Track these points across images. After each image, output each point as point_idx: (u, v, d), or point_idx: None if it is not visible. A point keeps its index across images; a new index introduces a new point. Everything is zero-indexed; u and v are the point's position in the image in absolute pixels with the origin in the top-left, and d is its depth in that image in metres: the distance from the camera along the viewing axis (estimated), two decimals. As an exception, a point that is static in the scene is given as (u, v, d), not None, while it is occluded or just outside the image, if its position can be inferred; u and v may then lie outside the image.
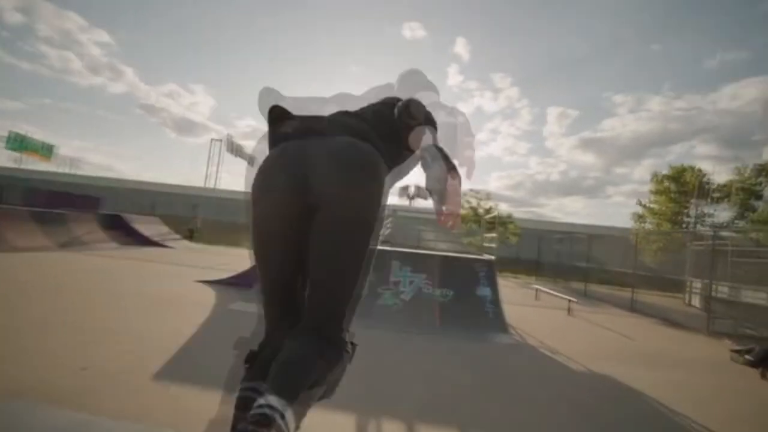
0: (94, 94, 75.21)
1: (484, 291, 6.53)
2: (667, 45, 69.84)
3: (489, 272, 6.79)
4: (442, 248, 13.48)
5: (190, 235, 20.99)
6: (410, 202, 22.51)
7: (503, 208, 22.17)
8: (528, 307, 8.87)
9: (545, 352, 5.02)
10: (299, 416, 1.06)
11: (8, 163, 32.26)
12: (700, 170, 19.07)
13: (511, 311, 6.39)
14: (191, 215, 23.63)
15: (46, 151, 28.27)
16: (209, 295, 6.52)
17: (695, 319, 8.38)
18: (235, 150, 33.81)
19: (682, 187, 18.82)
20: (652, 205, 19.71)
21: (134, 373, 3.02)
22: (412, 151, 1.28)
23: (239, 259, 13.41)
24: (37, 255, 9.15)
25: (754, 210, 17.81)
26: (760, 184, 18.02)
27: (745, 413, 3.57)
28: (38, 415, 2.22)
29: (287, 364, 1.05)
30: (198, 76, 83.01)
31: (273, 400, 0.93)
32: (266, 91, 1.51)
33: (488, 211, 20.27)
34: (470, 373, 3.94)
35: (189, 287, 7.19)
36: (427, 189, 1.07)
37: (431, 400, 3.11)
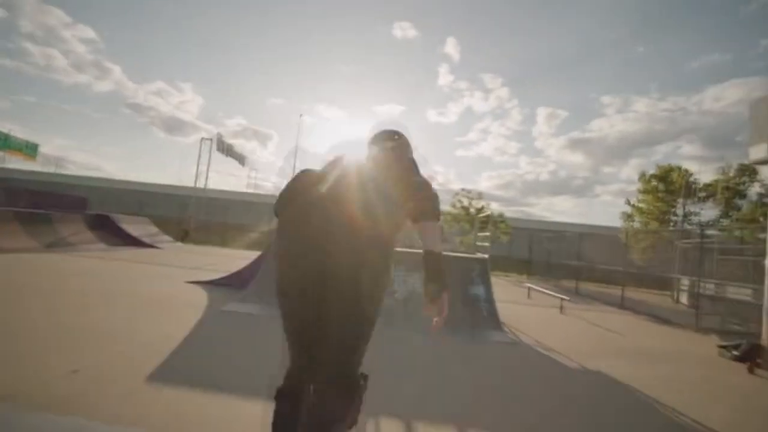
0: (79, 92, 73.74)
1: (478, 290, 6.56)
2: (652, 47, 71.18)
3: (482, 271, 6.83)
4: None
5: (185, 236, 20.29)
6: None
7: (494, 208, 22.34)
8: (521, 305, 8.94)
9: (540, 349, 5.06)
10: None
11: (-10, 163, 31.48)
12: (686, 170, 19.47)
13: (504, 309, 6.44)
14: (186, 215, 22.81)
15: (30, 150, 27.57)
16: (201, 296, 6.44)
17: (683, 315, 8.55)
18: (226, 149, 33.46)
19: (669, 187, 19.19)
20: (640, 204, 20.06)
21: (127, 376, 2.96)
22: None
23: (230, 259, 13.28)
24: (22, 256, 8.93)
25: (738, 209, 18.25)
26: (744, 183, 18.48)
27: (733, 406, 3.64)
28: (27, 421, 2.16)
29: (321, 426, 1.26)
30: (187, 74, 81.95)
31: None
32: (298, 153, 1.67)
33: (480, 210, 20.41)
34: (467, 371, 3.95)
35: (180, 288, 7.08)
36: (424, 299, 1.34)
37: (429, 397, 3.11)
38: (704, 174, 22.03)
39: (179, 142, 76.90)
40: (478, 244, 9.09)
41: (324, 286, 1.35)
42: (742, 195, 18.56)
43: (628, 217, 20.49)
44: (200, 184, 31.93)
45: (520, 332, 5.91)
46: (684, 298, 11.70)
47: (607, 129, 67.89)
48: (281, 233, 1.43)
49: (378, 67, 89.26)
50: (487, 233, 8.54)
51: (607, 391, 3.75)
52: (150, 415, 2.45)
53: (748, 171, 18.28)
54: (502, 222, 20.31)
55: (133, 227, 15.52)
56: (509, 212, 23.44)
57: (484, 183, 79.61)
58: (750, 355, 5.00)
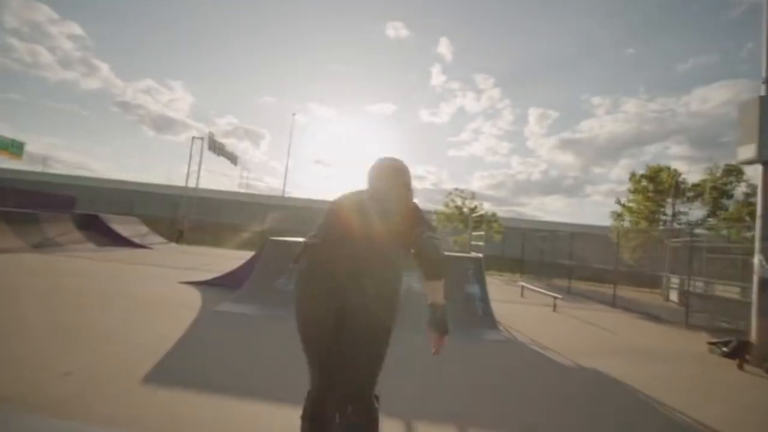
0: (66, 89, 72.47)
1: (473, 288, 6.59)
2: (642, 49, 72.27)
3: (477, 270, 6.86)
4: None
5: (180, 237, 19.54)
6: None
7: (486, 208, 22.49)
8: (515, 304, 9.00)
9: (535, 348, 5.10)
10: None
11: (-26, 161, 30.74)
12: (675, 170, 19.77)
13: (498, 308, 6.47)
14: (180, 215, 22.05)
15: (16, 148, 26.97)
16: (194, 297, 6.36)
17: (674, 313, 8.69)
18: (217, 148, 33.12)
19: (658, 186, 19.47)
20: (630, 204, 20.33)
21: (121, 378, 2.91)
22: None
23: (223, 259, 13.15)
24: (9, 257, 8.74)
25: (725, 208, 18.60)
26: (730, 183, 18.84)
27: (725, 402, 3.70)
28: (20, 424, 2.11)
29: None
30: (177, 72, 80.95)
31: None
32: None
33: (473, 210, 20.51)
34: (465, 370, 3.96)
35: (173, 288, 6.99)
36: (428, 332, 1.56)
37: (427, 395, 3.12)
38: (692, 174, 22.42)
39: (169, 141, 76.03)
40: (473, 243, 9.12)
41: (345, 317, 1.54)
42: (729, 195, 18.93)
43: (619, 216, 20.76)
44: (191, 184, 31.64)
45: (514, 331, 5.95)
46: (674, 296, 11.89)
47: (597, 129, 68.85)
48: (310, 269, 1.62)
49: (371, 66, 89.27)
50: (482, 232, 8.57)
51: (603, 389, 3.78)
52: (145, 416, 2.41)
53: (735, 171, 18.65)
54: (494, 221, 20.44)
55: (123, 227, 15.30)
56: (501, 212, 23.64)
57: (476, 183, 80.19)
58: (739, 352, 5.09)
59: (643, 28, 73.67)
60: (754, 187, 18.09)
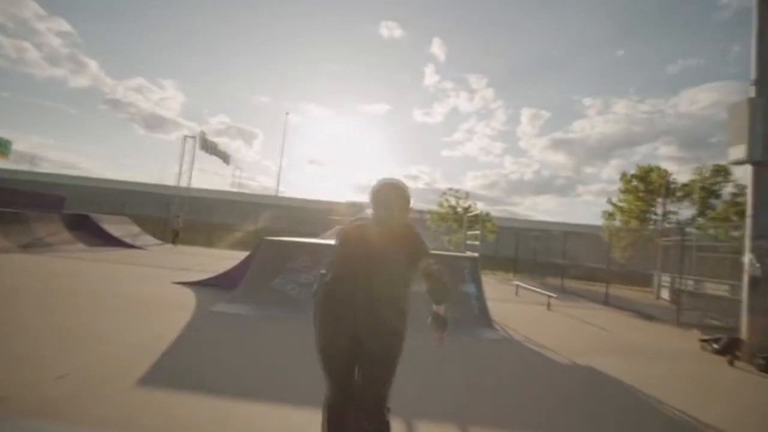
0: (54, 87, 71.05)
1: (469, 288, 6.62)
2: (632, 51, 73.17)
3: (473, 269, 6.90)
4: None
5: (175, 237, 18.86)
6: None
7: (480, 207, 22.58)
8: (509, 303, 9.06)
9: (531, 346, 5.14)
10: None
11: (-41, 160, 30.05)
12: (665, 170, 20.07)
13: (493, 307, 6.51)
14: (174, 215, 21.39)
15: (3, 147, 26.47)
16: (189, 297, 6.30)
17: (665, 311, 8.81)
18: (209, 148, 32.84)
19: (648, 186, 19.73)
20: (621, 204, 20.58)
21: (117, 379, 2.87)
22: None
23: (216, 259, 13.03)
24: (-3, 257, 8.57)
25: (713, 208, 18.92)
26: (718, 183, 19.18)
27: (718, 398, 3.77)
28: (13, 428, 2.07)
29: None
30: (168, 71, 79.86)
31: None
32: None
33: (467, 209, 20.59)
34: (461, 368, 3.98)
35: (167, 289, 6.91)
36: (430, 331, 1.81)
37: (427, 395, 3.12)
38: (681, 174, 22.77)
39: (160, 140, 74.93)
40: (468, 242, 9.16)
41: (361, 341, 1.70)
42: (717, 195, 19.26)
43: (610, 215, 21.00)
44: (183, 183, 31.28)
45: (510, 329, 5.98)
46: (665, 294, 12.07)
47: (589, 130, 69.53)
48: (326, 303, 1.77)
49: (364, 66, 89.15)
50: (477, 232, 8.61)
51: (601, 387, 3.82)
52: (141, 417, 2.38)
53: (722, 171, 18.99)
54: (488, 221, 20.55)
55: (114, 227, 15.09)
56: (494, 211, 23.76)
57: (470, 183, 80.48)
58: (730, 349, 5.18)
59: (633, 30, 74.66)
60: (741, 187, 18.46)
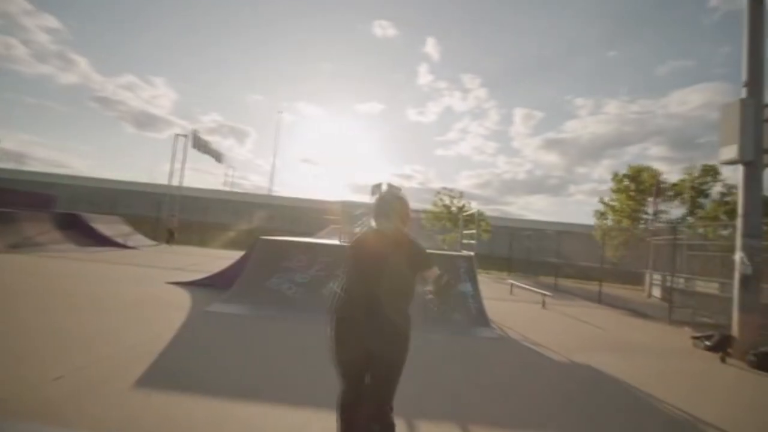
0: (42, 84, 69.77)
1: (466, 287, 6.64)
2: (623, 52, 74.08)
3: (469, 268, 6.92)
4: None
5: (170, 237, 18.49)
6: (383, 200, 22.67)
7: (473, 206, 22.67)
8: (505, 301, 9.12)
9: (528, 344, 5.17)
10: None
11: (-57, 158, 29.39)
12: (656, 170, 20.35)
13: (489, 306, 6.54)
14: (169, 214, 20.95)
15: (-12, 145, 25.92)
16: (184, 297, 6.23)
17: (657, 309, 8.94)
18: (202, 146, 32.49)
19: (639, 186, 19.99)
20: (613, 203, 20.82)
21: (114, 381, 2.83)
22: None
23: (210, 259, 12.91)
24: (-15, 258, 8.39)
25: (702, 207, 19.22)
26: (707, 183, 19.50)
27: (710, 393, 3.83)
28: (11, 430, 2.03)
29: None
30: (159, 68, 78.91)
31: None
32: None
33: (461, 209, 20.67)
34: (459, 367, 3.99)
35: (162, 289, 6.83)
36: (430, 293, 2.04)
37: (426, 392, 3.13)
38: (671, 174, 23.11)
39: (151, 138, 74.09)
40: (464, 242, 9.19)
41: (371, 352, 1.85)
42: (706, 194, 19.58)
43: (602, 215, 21.24)
44: (175, 182, 30.93)
45: (507, 328, 6.02)
46: (656, 292, 12.23)
47: (581, 130, 70.25)
48: (339, 321, 1.92)
49: (358, 65, 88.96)
50: (473, 231, 8.64)
51: (599, 385, 3.86)
52: (139, 418, 2.35)
53: (711, 171, 19.32)
54: (482, 220, 20.64)
55: (106, 227, 14.87)
56: (487, 211, 23.82)
57: (463, 182, 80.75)
58: (722, 346, 5.27)
59: (625, 31, 75.62)
60: (729, 187, 18.79)
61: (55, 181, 34.45)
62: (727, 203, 18.66)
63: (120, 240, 14.46)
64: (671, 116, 64.99)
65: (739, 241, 5.47)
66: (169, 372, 3.13)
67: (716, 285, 9.03)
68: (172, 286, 7.15)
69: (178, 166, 25.91)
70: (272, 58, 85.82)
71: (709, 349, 5.47)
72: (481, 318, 6.06)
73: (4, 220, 10.90)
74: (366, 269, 1.93)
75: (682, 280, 10.02)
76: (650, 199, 19.57)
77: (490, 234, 20.70)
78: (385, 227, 2.00)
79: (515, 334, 5.67)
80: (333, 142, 78.67)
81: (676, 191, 19.98)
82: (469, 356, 4.44)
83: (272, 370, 3.44)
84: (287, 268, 6.52)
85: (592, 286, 11.79)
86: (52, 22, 66.69)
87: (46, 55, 66.58)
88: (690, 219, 18.71)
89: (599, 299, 10.28)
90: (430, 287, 2.01)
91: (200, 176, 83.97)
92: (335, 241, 8.12)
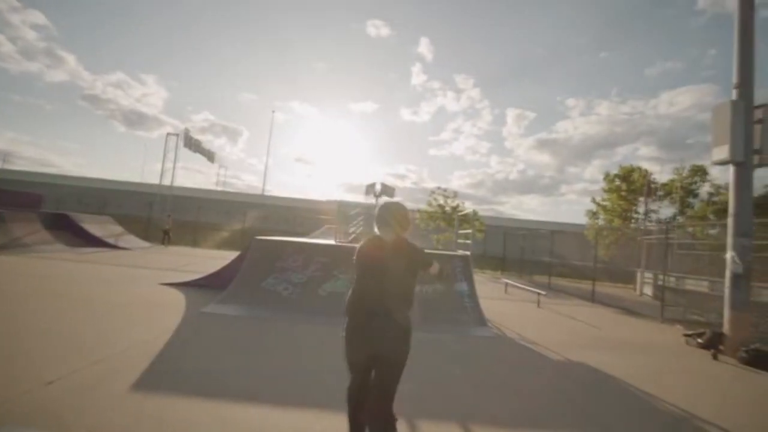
0: (30, 82, 68.51)
1: (462, 286, 6.66)
2: (614, 53, 74.95)
3: (465, 268, 6.94)
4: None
5: (166, 237, 18.15)
6: (377, 200, 22.59)
7: (467, 206, 22.78)
8: (500, 300, 9.16)
9: (524, 343, 5.20)
10: None
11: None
12: (646, 170, 20.62)
13: (484, 305, 6.56)
14: (164, 214, 20.37)
15: (-27, 143, 25.34)
16: (179, 298, 6.15)
17: (649, 307, 9.06)
18: (193, 145, 32.18)
19: (630, 186, 20.25)
20: (604, 203, 21.05)
21: (109, 384, 2.77)
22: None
23: (203, 260, 12.78)
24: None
25: (692, 207, 19.54)
26: (696, 183, 19.83)
27: (703, 389, 3.89)
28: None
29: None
30: (150, 66, 77.96)
31: None
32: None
33: (455, 208, 20.74)
34: (458, 365, 4.00)
35: (156, 290, 6.74)
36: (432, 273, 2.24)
37: (425, 391, 3.12)
38: (660, 174, 23.43)
39: (141, 137, 73.18)
40: (459, 241, 9.22)
41: (377, 353, 2.02)
42: (694, 194, 19.92)
43: (593, 214, 21.47)
44: (167, 182, 30.55)
45: (503, 327, 6.04)
46: (647, 290, 12.40)
47: (572, 131, 71.03)
48: (350, 323, 2.08)
49: (352, 64, 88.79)
50: (469, 230, 8.67)
51: (595, 382, 3.89)
52: (135, 423, 2.30)
53: (700, 171, 19.66)
54: (476, 220, 20.73)
55: (96, 227, 14.63)
56: (480, 210, 23.91)
57: (456, 182, 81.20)
58: (713, 343, 5.36)
59: (615, 33, 76.54)
60: (717, 187, 19.16)
61: (43, 180, 33.83)
62: (715, 203, 19.01)
63: (111, 240, 14.24)
64: (661, 117, 66.05)
65: (730, 241, 5.56)
66: (166, 375, 3.08)
67: (706, 283, 9.19)
68: (166, 287, 7.06)
69: (169, 165, 25.65)
70: (265, 56, 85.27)
71: (701, 346, 5.55)
72: (477, 317, 6.08)
73: (-10, 220, 10.66)
74: (369, 276, 2.11)
75: (673, 279, 10.17)
76: (641, 198, 19.84)
77: (484, 233, 20.81)
78: (386, 235, 2.17)
79: (511, 333, 5.70)
80: (326, 142, 78.53)
81: (666, 191, 20.29)
82: (467, 355, 4.45)
83: (271, 372, 3.41)
84: (283, 268, 6.48)
85: (585, 285, 11.90)
86: (39, 18, 65.57)
87: (33, 52, 65.37)
88: (680, 218, 19.00)
89: (592, 298, 10.38)
90: (434, 278, 2.31)
91: (192, 175, 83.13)
92: (331, 241, 8.08)
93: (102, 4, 75.06)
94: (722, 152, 5.54)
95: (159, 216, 20.21)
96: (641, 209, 20.09)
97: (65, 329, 4.04)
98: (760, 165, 5.54)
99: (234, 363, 3.56)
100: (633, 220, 20.25)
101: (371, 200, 21.95)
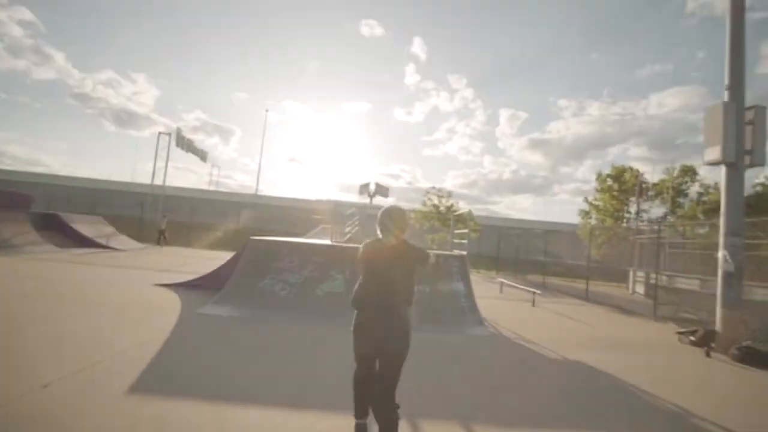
0: (17, 79, 67.17)
1: (458, 285, 6.69)
2: (605, 54, 75.81)
3: (461, 267, 6.97)
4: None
5: (162, 238, 17.88)
6: (371, 200, 22.57)
7: (462, 206, 22.87)
8: (495, 299, 9.22)
9: (520, 342, 5.24)
10: None
11: None
12: (638, 170, 20.89)
13: (480, 304, 6.59)
14: (161, 214, 19.97)
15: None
16: (175, 299, 6.09)
17: (642, 306, 9.18)
18: (185, 145, 31.87)
19: (622, 186, 20.51)
20: (597, 202, 21.29)
21: (106, 386, 2.74)
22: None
23: (198, 260, 12.67)
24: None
25: (682, 207, 19.84)
26: (685, 183, 20.15)
27: (697, 386, 3.95)
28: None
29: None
30: (140, 64, 76.88)
31: None
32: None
33: (449, 208, 20.80)
34: (455, 363, 4.02)
35: (152, 291, 6.67)
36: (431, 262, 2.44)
37: (422, 389, 3.13)
38: (650, 175, 23.71)
39: (132, 137, 72.13)
40: (455, 241, 9.26)
41: (381, 346, 2.20)
42: (684, 194, 20.24)
43: (586, 214, 21.70)
44: (158, 181, 30.18)
45: (499, 326, 6.08)
46: (639, 289, 12.57)
47: (564, 131, 71.55)
48: (359, 319, 2.27)
49: (345, 64, 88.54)
50: (465, 230, 8.71)
51: (591, 380, 3.94)
52: (132, 425, 2.28)
53: (690, 172, 19.99)
54: (471, 220, 20.83)
55: (86, 227, 14.42)
56: (474, 210, 24.02)
57: (450, 182, 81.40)
58: (706, 341, 5.44)
59: (606, 35, 77.42)
60: (706, 187, 19.49)
61: (31, 180, 33.25)
62: (704, 203, 19.34)
63: (102, 241, 14.05)
64: (651, 118, 66.82)
65: (721, 240, 5.65)
66: (163, 376, 3.05)
67: (697, 282, 9.34)
68: (162, 288, 6.99)
69: (161, 164, 25.36)
70: (258, 55, 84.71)
71: (694, 344, 5.64)
72: (473, 316, 6.11)
73: (-22, 220, 10.46)
74: (373, 278, 2.28)
75: (665, 277, 10.32)
76: (632, 198, 20.10)
77: (478, 233, 20.92)
78: (386, 238, 2.32)
79: (507, 332, 5.74)
80: (320, 141, 78.12)
81: (656, 191, 20.59)
82: (464, 354, 4.47)
83: (270, 372, 3.39)
84: (279, 268, 6.44)
85: (579, 284, 12.02)
86: (26, 14, 64.22)
87: (20, 50, 64.11)
88: (670, 218, 19.28)
89: (586, 296, 10.49)
90: (431, 269, 2.59)
91: (184, 175, 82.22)
92: (326, 241, 8.06)
93: (91, 1, 73.98)
94: (714, 153, 5.63)
95: (152, 216, 19.91)
96: (633, 209, 20.34)
97: (61, 331, 3.98)
98: (751, 165, 5.65)
99: (232, 364, 3.53)
100: (625, 220, 20.50)
101: (365, 200, 21.94)
